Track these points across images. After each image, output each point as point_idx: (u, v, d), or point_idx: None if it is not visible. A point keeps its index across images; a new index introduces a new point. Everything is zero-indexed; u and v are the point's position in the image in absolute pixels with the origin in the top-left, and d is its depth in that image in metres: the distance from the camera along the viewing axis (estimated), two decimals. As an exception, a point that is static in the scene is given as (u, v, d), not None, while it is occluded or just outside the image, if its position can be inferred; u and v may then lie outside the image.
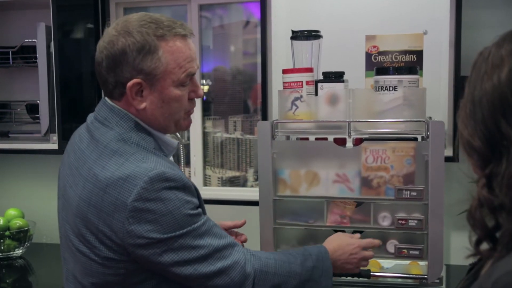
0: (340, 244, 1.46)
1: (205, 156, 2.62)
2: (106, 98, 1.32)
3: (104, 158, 1.23)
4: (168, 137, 1.34)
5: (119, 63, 1.24)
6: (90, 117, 1.34)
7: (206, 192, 2.57)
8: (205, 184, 2.61)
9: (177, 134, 2.40)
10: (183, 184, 1.22)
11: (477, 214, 0.85)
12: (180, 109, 1.31)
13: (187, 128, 1.39)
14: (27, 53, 2.41)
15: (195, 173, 2.59)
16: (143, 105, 1.27)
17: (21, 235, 2.42)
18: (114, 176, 1.19)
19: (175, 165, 1.29)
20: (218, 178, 2.62)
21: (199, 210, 1.26)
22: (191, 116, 1.38)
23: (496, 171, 0.83)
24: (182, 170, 2.46)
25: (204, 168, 2.61)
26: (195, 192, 1.28)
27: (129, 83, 1.24)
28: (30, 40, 2.37)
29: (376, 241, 1.53)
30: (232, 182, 2.61)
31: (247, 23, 2.54)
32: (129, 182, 1.17)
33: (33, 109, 2.44)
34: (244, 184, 2.61)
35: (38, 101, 2.36)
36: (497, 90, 0.82)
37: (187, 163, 2.59)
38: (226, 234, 1.30)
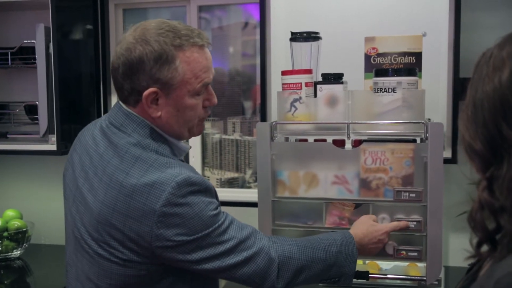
0: (368, 230, 1.50)
1: (204, 157, 2.62)
2: (121, 103, 1.32)
3: (126, 164, 1.24)
4: (181, 143, 1.37)
5: (136, 71, 1.25)
6: (104, 121, 1.34)
7: (205, 194, 2.57)
8: (204, 186, 2.61)
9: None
10: (206, 187, 1.26)
11: (478, 217, 0.85)
12: (194, 117, 1.33)
13: (199, 133, 1.42)
14: (26, 54, 2.41)
15: (194, 174, 2.59)
16: (158, 113, 1.28)
17: (19, 236, 2.42)
18: (140, 183, 1.21)
19: (193, 168, 1.32)
20: (217, 179, 2.62)
21: (220, 209, 1.31)
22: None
23: (497, 174, 0.83)
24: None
25: (203, 170, 2.61)
26: (215, 193, 1.32)
27: (146, 92, 1.25)
28: (29, 41, 2.37)
29: (402, 223, 1.58)
30: (231, 183, 2.61)
31: (246, 24, 2.54)
32: (156, 188, 1.20)
33: (32, 110, 2.44)
34: (243, 186, 2.61)
35: (37, 102, 2.35)
36: (497, 92, 0.82)
37: (186, 164, 2.59)
38: (247, 224, 1.34)
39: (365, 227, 1.51)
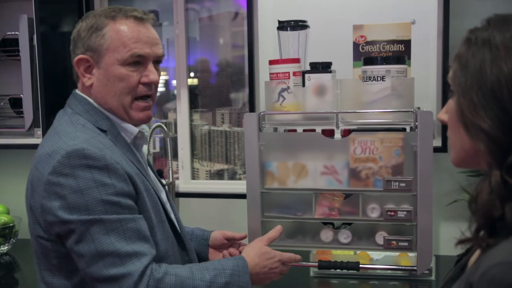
0: (261, 257, 1.39)
1: (192, 149, 2.59)
2: (75, 89, 1.37)
3: (46, 139, 1.27)
4: (127, 124, 1.34)
5: (75, 44, 1.32)
6: None
7: (194, 186, 2.55)
8: (193, 178, 2.59)
9: (165, 128, 2.38)
10: (105, 165, 1.19)
11: (484, 200, 0.82)
12: (126, 90, 1.30)
13: (141, 121, 1.35)
14: (9, 46, 2.37)
15: (183, 166, 2.56)
16: (90, 81, 1.31)
17: (6, 232, 2.39)
18: (43, 152, 1.22)
19: (110, 146, 1.25)
20: (206, 171, 2.60)
21: (126, 201, 1.21)
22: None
23: None
24: (169, 163, 2.44)
25: (192, 161, 2.59)
26: (125, 177, 1.22)
27: (75, 59, 1.30)
28: (12, 32, 2.32)
29: (298, 257, 1.48)
30: (220, 175, 2.59)
31: (236, 15, 2.51)
32: (51, 157, 1.19)
33: (16, 103, 2.39)
34: (232, 177, 2.59)
35: (22, 95, 2.32)
36: None
37: (175, 156, 2.56)
38: (144, 239, 1.21)
39: (258, 254, 1.39)
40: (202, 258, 1.59)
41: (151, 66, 1.33)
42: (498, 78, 0.81)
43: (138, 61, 1.30)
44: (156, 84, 1.35)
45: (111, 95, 1.30)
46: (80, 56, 1.30)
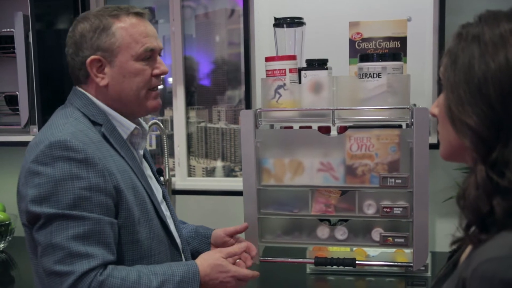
0: (213, 269, 1.34)
1: (189, 146, 2.59)
2: (76, 86, 1.39)
3: (39, 132, 1.30)
4: (125, 119, 1.35)
5: (80, 46, 1.32)
6: None
7: (191, 183, 2.55)
8: (189, 175, 2.59)
9: (161, 125, 2.38)
10: (86, 158, 1.20)
11: (472, 196, 0.83)
12: (143, 84, 1.35)
13: (154, 109, 1.41)
14: (4, 43, 2.36)
15: (179, 163, 2.56)
16: (104, 81, 1.32)
17: (2, 229, 2.39)
18: (32, 143, 1.26)
19: (97, 139, 1.26)
20: (203, 168, 2.60)
21: (99, 197, 1.20)
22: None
23: (505, 156, 0.80)
24: (166, 161, 2.44)
25: (189, 159, 2.59)
26: (104, 174, 1.21)
27: (88, 60, 1.31)
28: (7, 29, 2.31)
29: (256, 274, 1.42)
30: (216, 172, 2.59)
31: (232, 12, 2.51)
32: (37, 146, 1.22)
33: (12, 100, 2.39)
34: (229, 174, 2.59)
35: (17, 92, 2.31)
36: (505, 72, 0.80)
37: (171, 153, 2.56)
38: (102, 243, 1.19)
39: (209, 264, 1.34)
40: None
41: (159, 58, 1.38)
42: (485, 75, 0.81)
43: (149, 55, 1.35)
44: (165, 74, 1.41)
45: (127, 91, 1.33)
46: (93, 57, 1.31)
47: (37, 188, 1.18)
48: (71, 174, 1.18)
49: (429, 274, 1.96)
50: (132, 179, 1.31)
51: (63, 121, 1.27)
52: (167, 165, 2.45)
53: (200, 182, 2.56)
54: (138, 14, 1.35)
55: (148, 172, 1.46)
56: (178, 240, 1.45)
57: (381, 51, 1.72)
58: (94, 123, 1.31)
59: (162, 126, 2.40)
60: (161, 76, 1.39)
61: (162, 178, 2.44)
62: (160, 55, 1.41)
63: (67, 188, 1.18)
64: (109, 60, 1.31)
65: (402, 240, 1.58)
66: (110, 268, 1.21)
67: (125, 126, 1.35)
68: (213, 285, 1.34)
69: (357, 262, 1.63)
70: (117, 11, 1.33)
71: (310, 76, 1.66)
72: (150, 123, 2.31)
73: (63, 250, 1.16)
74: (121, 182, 1.25)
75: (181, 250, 1.46)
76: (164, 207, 1.45)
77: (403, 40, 1.72)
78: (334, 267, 1.65)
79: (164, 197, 1.49)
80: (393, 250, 1.96)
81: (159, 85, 1.40)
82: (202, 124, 2.58)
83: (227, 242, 1.58)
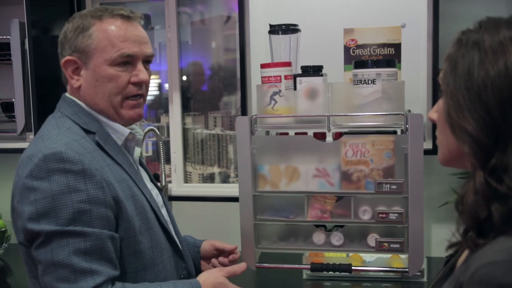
0: (214, 286, 1.33)
1: (185, 152, 2.60)
2: (65, 92, 1.35)
3: (30, 143, 1.25)
4: (117, 125, 1.31)
5: (63, 46, 1.30)
6: None
7: (187, 189, 2.56)
8: (186, 181, 2.59)
9: (157, 131, 2.38)
10: (83, 169, 1.15)
11: (470, 202, 0.83)
12: (116, 90, 1.28)
13: (132, 120, 1.34)
14: (1, 50, 2.36)
15: (175, 170, 2.56)
16: (78, 83, 1.29)
17: (-2, 236, 2.38)
18: (25, 156, 1.21)
19: (91, 149, 1.22)
20: (199, 174, 2.60)
21: (99, 210, 1.16)
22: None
23: (504, 162, 0.81)
24: (162, 167, 2.44)
25: (185, 165, 2.59)
26: (103, 185, 1.18)
27: (62, 61, 1.28)
28: (3, 37, 2.32)
29: None
30: (213, 178, 2.59)
31: (228, 18, 2.52)
32: (31, 160, 1.17)
33: (8, 107, 2.39)
34: (225, 180, 2.59)
35: (13, 99, 2.31)
36: (504, 79, 0.81)
37: (168, 160, 2.57)
38: (105, 259, 1.17)
39: (211, 283, 1.33)
40: (195, 266, 1.56)
41: (140, 66, 1.31)
42: (484, 81, 0.82)
43: (127, 61, 1.28)
44: (146, 83, 1.33)
45: (100, 96, 1.28)
46: (68, 57, 1.28)
47: (34, 204, 1.13)
48: (69, 187, 1.13)
49: (424, 279, 1.97)
50: (131, 187, 1.27)
51: (55, 131, 1.23)
52: (163, 172, 2.45)
53: (197, 188, 2.56)
54: (124, 17, 1.28)
55: (145, 177, 1.44)
56: (180, 246, 1.43)
57: (376, 57, 1.73)
58: (87, 131, 1.26)
59: (158, 133, 2.40)
60: (141, 84, 1.31)
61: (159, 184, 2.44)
62: (149, 62, 1.35)
63: (65, 202, 1.13)
64: (84, 62, 1.27)
65: (397, 245, 1.59)
66: (119, 285, 1.18)
67: (119, 132, 1.31)
68: None
69: (353, 267, 1.64)
70: (102, 12, 1.28)
71: (305, 82, 1.67)
72: (146, 129, 2.32)
73: (66, 268, 1.12)
74: (120, 192, 1.22)
75: (184, 257, 1.44)
76: (164, 213, 1.43)
77: (397, 47, 1.74)
78: (330, 272, 1.66)
79: (164, 202, 1.47)
80: (388, 255, 1.97)
81: (138, 94, 1.31)
82: (198, 131, 2.58)
83: (215, 255, 1.60)
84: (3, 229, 2.39)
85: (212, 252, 1.59)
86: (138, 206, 1.27)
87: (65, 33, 1.29)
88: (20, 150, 2.26)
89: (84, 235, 1.14)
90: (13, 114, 2.33)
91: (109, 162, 1.25)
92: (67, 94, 1.33)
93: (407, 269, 1.59)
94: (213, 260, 1.59)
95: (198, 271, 1.54)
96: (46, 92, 2.31)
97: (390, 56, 1.73)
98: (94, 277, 1.14)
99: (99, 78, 1.27)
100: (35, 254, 1.16)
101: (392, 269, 1.90)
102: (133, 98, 1.31)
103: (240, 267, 1.45)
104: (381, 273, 1.99)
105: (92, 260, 1.14)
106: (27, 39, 2.22)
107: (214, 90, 2.56)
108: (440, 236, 2.21)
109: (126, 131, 1.32)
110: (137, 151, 1.40)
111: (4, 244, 2.41)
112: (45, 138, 1.21)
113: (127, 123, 1.34)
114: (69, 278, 1.12)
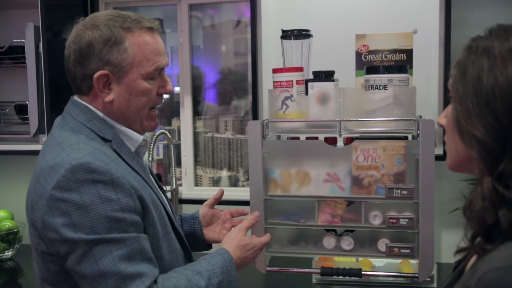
0: (242, 249, 1.39)
1: (196, 156, 2.61)
2: (74, 96, 1.31)
3: (47, 149, 1.22)
4: (133, 132, 1.30)
5: (86, 56, 1.23)
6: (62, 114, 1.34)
7: (197, 192, 2.57)
8: (196, 184, 2.61)
9: (168, 134, 2.40)
10: (111, 180, 1.15)
11: (478, 207, 0.84)
12: (148, 103, 1.29)
13: (151, 129, 1.36)
14: (15, 54, 2.40)
15: (186, 173, 2.58)
16: (111, 97, 1.25)
17: (10, 237, 2.40)
18: (46, 165, 1.17)
19: (115, 158, 1.22)
20: (209, 178, 2.61)
21: (132, 217, 1.17)
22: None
23: (509, 169, 0.82)
24: (173, 170, 2.45)
25: (195, 168, 2.61)
26: (132, 193, 1.18)
27: (96, 75, 1.23)
28: (18, 40, 2.35)
29: (268, 237, 1.50)
30: (222, 182, 2.61)
31: (238, 22, 2.53)
32: (55, 170, 1.15)
33: (22, 109, 2.42)
34: (235, 184, 2.60)
35: (27, 102, 2.34)
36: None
37: (178, 163, 2.58)
38: (147, 259, 1.19)
39: (237, 246, 1.39)
40: (198, 236, 1.59)
41: (166, 77, 1.32)
42: (493, 88, 0.83)
43: (158, 74, 1.29)
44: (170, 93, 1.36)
45: (132, 109, 1.27)
46: (102, 72, 1.23)
47: (67, 216, 1.12)
48: (100, 197, 1.13)
49: (435, 285, 1.97)
50: (151, 193, 1.28)
51: (74, 139, 1.20)
52: (174, 175, 2.47)
53: (207, 192, 2.57)
54: (150, 29, 1.28)
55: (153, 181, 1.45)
56: (190, 249, 1.44)
57: (387, 63, 1.74)
58: (104, 139, 1.25)
59: (169, 136, 2.42)
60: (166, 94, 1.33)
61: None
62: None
63: (99, 212, 1.12)
64: (117, 76, 1.24)
65: (408, 251, 1.59)
66: (160, 280, 1.19)
67: (133, 139, 1.30)
68: (243, 263, 1.40)
69: (363, 272, 1.64)
70: (129, 23, 1.25)
71: (317, 87, 1.68)
72: (157, 133, 2.33)
73: (114, 276, 1.12)
74: (145, 198, 1.22)
75: (193, 259, 1.44)
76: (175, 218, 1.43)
77: (409, 53, 1.74)
78: (340, 277, 1.66)
79: (168, 204, 1.48)
80: (399, 260, 1.96)
81: (160, 104, 1.34)
82: (209, 134, 2.60)
83: (215, 215, 1.66)
84: (15, 230, 2.41)
85: (210, 212, 1.65)
86: (158, 211, 1.28)
87: (90, 43, 1.23)
88: (33, 152, 2.31)
89: (124, 240, 1.15)
90: (27, 116, 2.36)
91: (129, 169, 1.24)
92: (76, 98, 1.30)
93: (417, 275, 1.59)
94: (226, 225, 1.63)
95: (203, 243, 1.61)
96: (59, 94, 2.34)
97: (401, 62, 1.73)
98: (142, 279, 1.15)
99: (134, 92, 1.26)
100: (77, 269, 1.14)
101: (402, 274, 1.90)
102: (153, 109, 1.33)
103: (253, 217, 1.52)
104: (391, 278, 1.99)
105: (136, 263, 1.15)
106: (41, 43, 2.25)
107: (225, 94, 2.58)
108: (450, 242, 2.20)
109: (140, 138, 1.32)
110: (145, 155, 1.41)
111: (16, 245, 2.43)
112: (65, 147, 1.19)
113: (144, 131, 1.35)
114: (120, 285, 1.13)
